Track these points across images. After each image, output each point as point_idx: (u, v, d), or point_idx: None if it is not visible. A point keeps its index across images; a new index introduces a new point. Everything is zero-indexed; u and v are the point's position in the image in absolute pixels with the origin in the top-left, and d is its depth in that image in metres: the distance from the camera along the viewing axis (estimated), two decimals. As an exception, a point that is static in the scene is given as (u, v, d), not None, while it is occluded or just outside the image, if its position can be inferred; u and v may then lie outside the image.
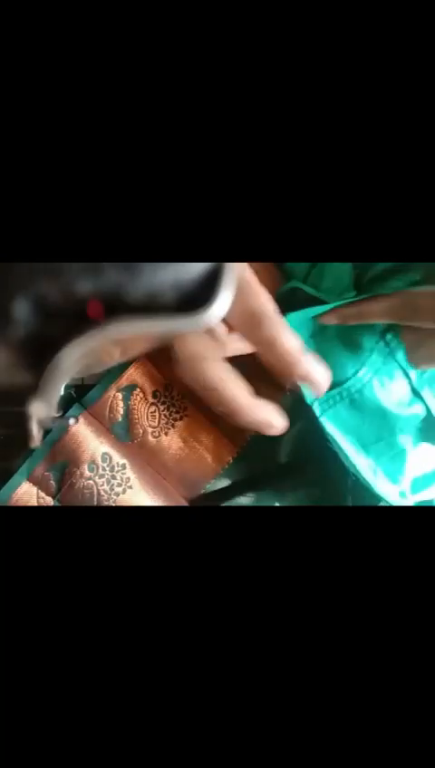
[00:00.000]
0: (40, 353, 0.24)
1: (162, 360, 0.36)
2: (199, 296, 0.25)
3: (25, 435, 0.25)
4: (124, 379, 0.35)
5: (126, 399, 0.35)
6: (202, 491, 0.38)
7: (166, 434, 0.37)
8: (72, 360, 0.24)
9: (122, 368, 0.35)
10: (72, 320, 0.23)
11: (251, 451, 0.40)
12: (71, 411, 0.32)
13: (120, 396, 0.35)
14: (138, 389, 0.36)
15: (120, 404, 0.35)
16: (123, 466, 0.34)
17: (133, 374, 0.35)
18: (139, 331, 0.24)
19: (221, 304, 0.25)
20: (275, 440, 0.40)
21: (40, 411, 0.25)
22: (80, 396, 0.33)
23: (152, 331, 0.25)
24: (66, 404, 0.33)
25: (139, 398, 0.36)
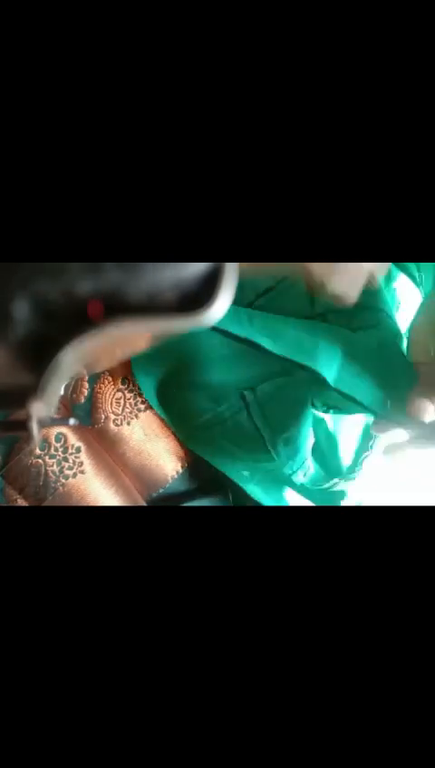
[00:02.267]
0: (40, 353, 0.24)
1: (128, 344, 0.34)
2: (199, 296, 0.25)
3: (25, 435, 0.25)
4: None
5: (91, 382, 0.34)
6: (160, 490, 0.37)
7: (128, 423, 0.35)
8: (72, 360, 0.24)
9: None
10: (72, 320, 0.23)
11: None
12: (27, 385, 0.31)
13: (86, 377, 0.33)
14: (106, 373, 0.34)
15: (86, 385, 0.34)
16: (78, 450, 0.33)
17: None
18: (139, 331, 0.24)
19: (221, 304, 0.25)
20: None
21: (40, 411, 0.25)
22: None
23: (152, 331, 0.25)
24: None
25: (106, 383, 0.34)
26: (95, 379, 0.34)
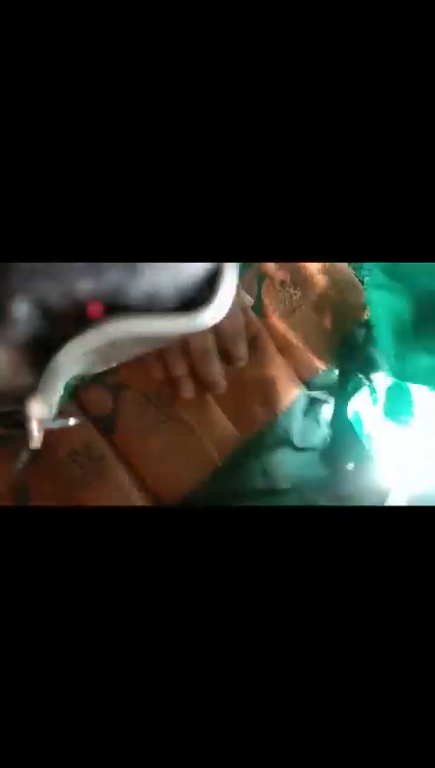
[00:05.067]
0: (40, 353, 0.24)
1: (155, 360, 0.35)
2: (199, 296, 0.25)
3: (25, 434, 0.26)
4: (115, 377, 0.35)
5: (114, 393, 0.35)
6: (182, 498, 0.38)
7: (151, 433, 0.36)
8: (72, 361, 0.24)
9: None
10: (72, 320, 0.23)
11: (233, 464, 0.39)
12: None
13: (108, 389, 0.35)
14: (127, 388, 0.35)
15: (109, 396, 0.35)
16: (101, 457, 0.34)
17: (124, 373, 0.35)
18: (139, 331, 0.24)
19: (221, 304, 0.25)
20: (258, 457, 0.40)
21: (40, 411, 0.25)
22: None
23: (152, 331, 0.25)
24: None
25: (129, 397, 0.35)
26: (117, 390, 0.35)
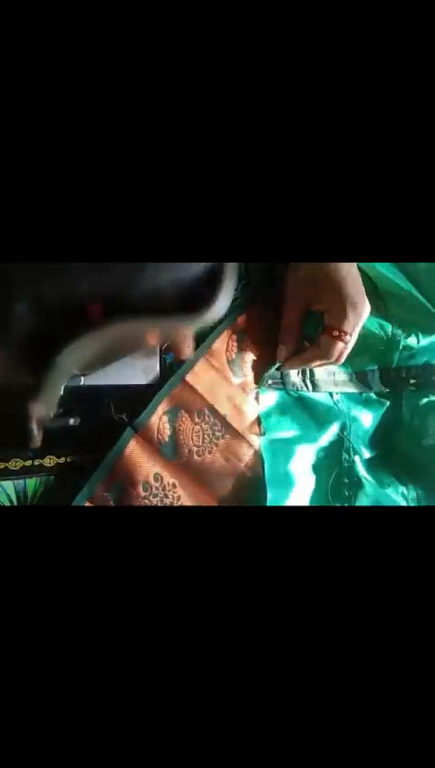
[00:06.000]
0: (40, 353, 0.24)
1: (203, 381, 0.38)
2: (200, 296, 0.25)
3: (25, 435, 0.25)
4: (169, 402, 0.37)
5: (172, 421, 0.37)
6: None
7: (209, 452, 0.39)
8: (72, 361, 0.24)
9: (168, 389, 0.37)
10: (72, 320, 0.23)
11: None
12: (124, 436, 0.34)
13: (165, 418, 0.37)
14: (182, 411, 0.37)
15: (167, 425, 0.37)
16: (173, 485, 0.36)
17: (176, 397, 0.37)
18: (139, 331, 0.24)
19: (221, 304, 0.25)
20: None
21: (40, 411, 0.25)
22: (131, 421, 0.35)
23: (152, 331, 0.25)
24: (118, 429, 0.34)
25: (184, 419, 0.38)
26: (174, 418, 0.37)
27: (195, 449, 0.38)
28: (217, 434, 0.39)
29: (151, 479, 0.35)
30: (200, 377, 0.38)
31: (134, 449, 0.35)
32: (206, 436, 0.39)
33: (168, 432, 0.37)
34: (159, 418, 0.36)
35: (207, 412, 0.39)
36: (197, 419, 0.38)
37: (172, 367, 0.37)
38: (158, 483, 0.35)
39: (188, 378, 0.37)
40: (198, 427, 0.38)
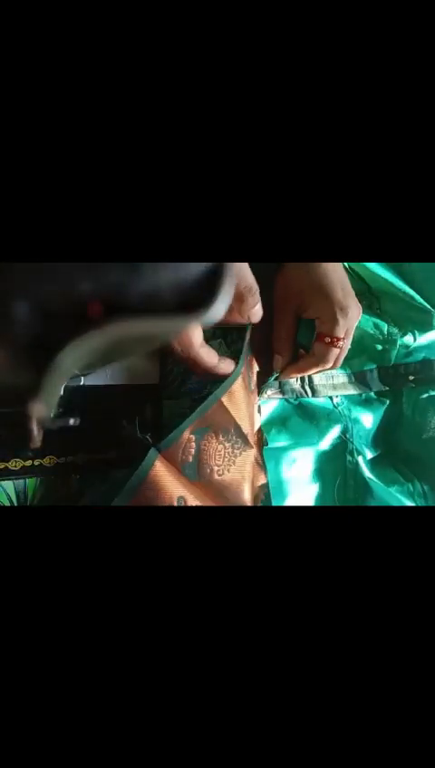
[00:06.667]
0: (40, 353, 0.24)
1: (236, 401, 0.36)
2: (199, 296, 0.25)
3: (25, 435, 0.25)
4: (200, 423, 0.35)
5: (198, 441, 0.35)
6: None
7: (228, 471, 0.37)
8: (72, 361, 0.24)
9: (201, 411, 0.34)
10: (72, 320, 0.23)
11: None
12: (148, 457, 0.31)
13: (193, 438, 0.34)
14: (210, 430, 0.35)
15: (193, 446, 0.35)
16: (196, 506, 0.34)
17: (209, 416, 0.35)
18: (139, 331, 0.24)
19: (221, 304, 0.25)
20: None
21: (40, 411, 0.25)
22: (156, 442, 0.32)
23: (152, 332, 0.25)
24: (142, 450, 0.32)
25: (210, 438, 0.36)
26: (201, 437, 0.35)
27: (216, 468, 0.36)
28: (236, 451, 0.37)
29: (175, 502, 0.32)
30: (235, 396, 0.36)
31: (159, 471, 0.32)
32: (227, 455, 0.37)
33: (193, 452, 0.35)
34: (186, 438, 0.34)
35: (232, 430, 0.37)
36: (222, 438, 0.36)
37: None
38: (181, 505, 0.33)
39: (224, 399, 0.35)
40: (221, 446, 0.36)
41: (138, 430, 0.33)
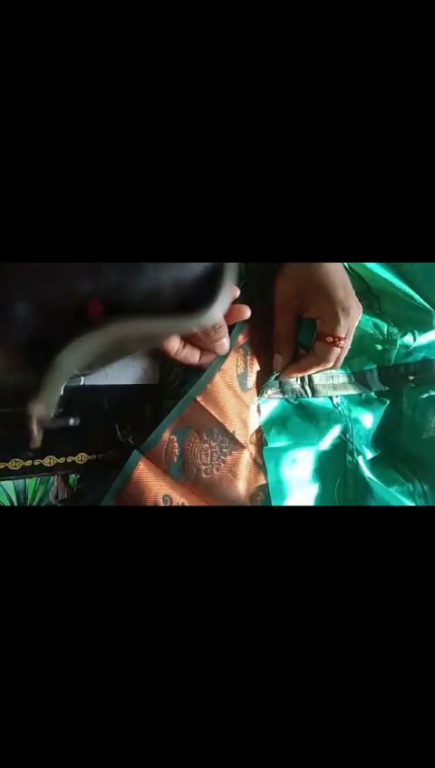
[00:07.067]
0: (40, 353, 0.24)
1: (214, 400, 0.37)
2: (199, 296, 0.25)
3: (25, 435, 0.25)
4: (179, 423, 0.36)
5: (181, 442, 0.36)
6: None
7: (217, 470, 0.38)
8: (72, 361, 0.24)
9: (176, 412, 0.36)
10: (72, 320, 0.23)
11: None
12: (131, 459, 0.33)
13: (175, 438, 0.36)
14: (192, 430, 0.37)
15: (176, 446, 0.36)
16: (183, 505, 0.35)
17: (187, 416, 0.36)
18: (139, 331, 0.24)
19: (221, 304, 0.25)
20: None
21: (40, 411, 0.25)
22: (138, 443, 0.34)
23: (152, 331, 0.25)
24: (125, 451, 0.34)
25: (193, 439, 0.37)
26: (183, 438, 0.36)
27: (203, 468, 0.37)
28: (225, 450, 0.38)
29: (160, 501, 0.34)
30: (212, 396, 0.37)
31: (142, 472, 0.33)
32: (214, 454, 0.38)
33: (176, 452, 0.36)
34: (167, 439, 0.35)
35: (216, 431, 0.37)
36: (205, 438, 0.37)
37: (182, 383, 0.36)
38: (166, 504, 0.34)
39: (199, 398, 0.36)
40: (206, 445, 0.37)
41: (119, 434, 0.34)
